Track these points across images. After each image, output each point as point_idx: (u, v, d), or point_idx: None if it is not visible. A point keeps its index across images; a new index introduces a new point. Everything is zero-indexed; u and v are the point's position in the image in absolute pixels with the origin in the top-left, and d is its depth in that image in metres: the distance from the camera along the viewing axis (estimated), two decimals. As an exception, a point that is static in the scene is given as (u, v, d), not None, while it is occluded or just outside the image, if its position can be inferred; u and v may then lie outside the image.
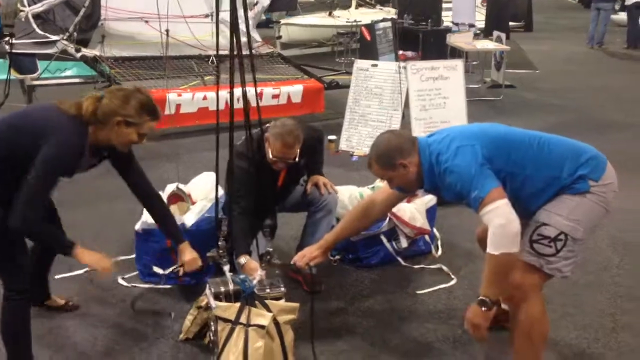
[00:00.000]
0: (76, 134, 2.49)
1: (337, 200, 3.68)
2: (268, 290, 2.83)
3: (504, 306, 2.99)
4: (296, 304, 2.82)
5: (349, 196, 3.91)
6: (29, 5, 6.91)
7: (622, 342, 3.07)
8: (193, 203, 3.78)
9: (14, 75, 6.59)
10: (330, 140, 6.10)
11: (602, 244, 4.15)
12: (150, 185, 2.95)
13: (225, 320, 2.71)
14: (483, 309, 2.36)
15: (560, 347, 3.03)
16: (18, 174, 2.44)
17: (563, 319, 3.27)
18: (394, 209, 3.74)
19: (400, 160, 2.54)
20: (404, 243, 3.87)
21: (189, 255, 3.00)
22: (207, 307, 2.93)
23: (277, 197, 3.49)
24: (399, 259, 3.87)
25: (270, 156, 3.26)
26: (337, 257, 3.89)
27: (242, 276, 2.88)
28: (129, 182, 2.90)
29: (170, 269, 3.36)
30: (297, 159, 3.32)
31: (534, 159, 2.47)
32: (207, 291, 2.85)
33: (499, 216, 2.29)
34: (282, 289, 2.87)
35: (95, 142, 2.59)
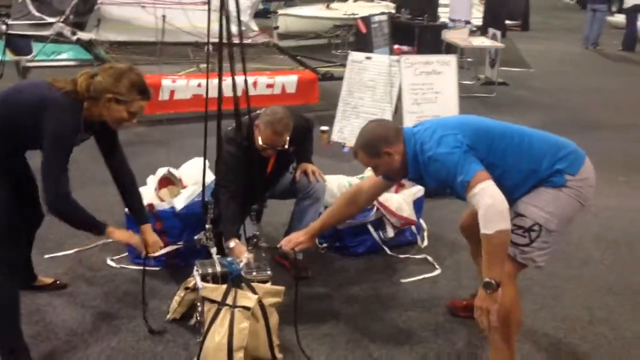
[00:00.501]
0: (71, 109, 2.55)
1: (325, 188, 3.74)
2: (254, 274, 2.90)
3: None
4: (281, 288, 2.89)
5: (338, 185, 3.96)
6: (26, -13, 6.93)
7: (599, 334, 3.15)
8: (184, 187, 3.83)
9: (10, 56, 6.61)
10: (323, 131, 6.14)
11: (584, 240, 4.22)
12: (129, 169, 3.03)
13: (212, 301, 2.78)
14: (488, 291, 2.37)
15: (537, 337, 3.10)
16: (16, 145, 2.55)
17: (542, 310, 3.34)
18: (381, 199, 3.82)
19: (385, 148, 2.60)
20: (390, 233, 3.93)
21: (150, 238, 3.04)
22: (195, 289, 2.99)
23: (266, 183, 3.54)
24: (385, 248, 3.94)
25: (260, 143, 3.31)
26: (325, 245, 3.95)
27: (229, 259, 2.94)
28: (109, 160, 2.98)
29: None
30: (286, 147, 3.38)
31: (514, 152, 2.53)
32: (195, 272, 2.91)
33: (487, 196, 2.34)
34: (269, 272, 2.93)
35: (89, 118, 2.66)
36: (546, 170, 2.51)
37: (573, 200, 2.52)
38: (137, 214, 3.10)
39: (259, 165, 3.38)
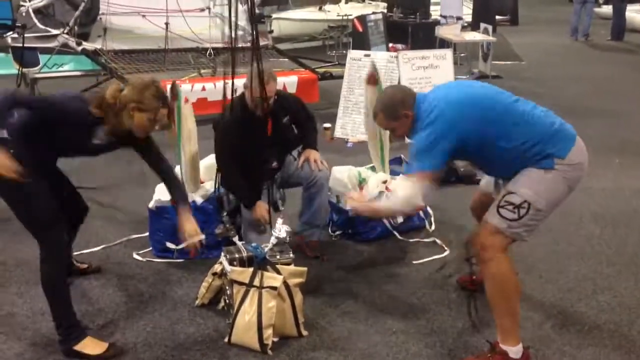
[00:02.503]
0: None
1: (328, 176, 3.91)
2: (278, 257, 3.08)
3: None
4: (304, 268, 3.08)
5: (348, 175, 4.15)
6: (30, 0, 7.13)
7: (602, 301, 3.35)
8: (202, 182, 4.01)
9: (17, 68, 6.78)
10: (326, 128, 6.34)
11: (585, 219, 4.43)
12: (166, 163, 3.21)
13: (240, 283, 2.96)
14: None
15: (546, 307, 3.30)
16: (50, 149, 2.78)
17: (548, 283, 3.54)
18: (390, 186, 4.02)
19: (403, 111, 2.83)
20: (399, 218, 4.12)
21: (187, 224, 3.09)
22: (221, 275, 3.18)
23: (270, 146, 3.69)
24: (396, 233, 4.13)
25: (250, 100, 3.56)
26: (338, 233, 4.14)
27: (254, 244, 3.13)
28: (145, 159, 3.17)
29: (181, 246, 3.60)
30: (275, 97, 3.63)
31: (508, 134, 2.69)
32: (222, 258, 3.10)
33: (415, 190, 2.71)
34: (291, 255, 3.12)
35: (118, 126, 2.86)
36: (537, 153, 2.67)
37: (561, 183, 2.69)
38: (176, 200, 3.20)
39: (258, 130, 3.58)
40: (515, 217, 2.68)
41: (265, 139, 3.63)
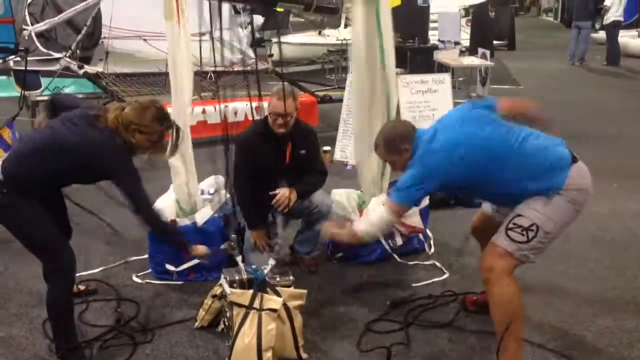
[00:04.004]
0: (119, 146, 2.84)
1: (330, 207, 3.93)
2: (278, 279, 3.09)
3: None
4: (304, 291, 3.08)
5: (347, 198, 4.17)
6: (32, 24, 7.20)
7: (601, 324, 3.34)
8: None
9: (19, 90, 6.82)
10: (325, 151, 6.36)
11: (585, 242, 4.43)
12: None
13: (240, 305, 2.96)
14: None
15: (545, 330, 3.29)
16: (58, 177, 2.86)
17: (548, 306, 3.53)
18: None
19: (403, 145, 2.88)
20: (399, 241, 4.13)
21: None
22: (221, 297, 3.18)
23: (285, 172, 3.76)
24: (395, 255, 4.13)
25: (269, 115, 3.67)
26: (338, 255, 4.13)
27: (254, 266, 3.13)
28: None
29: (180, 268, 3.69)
30: (294, 115, 3.70)
31: (502, 175, 2.73)
32: (222, 280, 3.10)
33: (387, 214, 2.87)
34: (291, 277, 3.13)
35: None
36: (535, 188, 2.71)
37: (568, 206, 2.71)
38: None
39: (275, 149, 3.72)
40: (524, 239, 2.70)
41: (280, 162, 3.71)
